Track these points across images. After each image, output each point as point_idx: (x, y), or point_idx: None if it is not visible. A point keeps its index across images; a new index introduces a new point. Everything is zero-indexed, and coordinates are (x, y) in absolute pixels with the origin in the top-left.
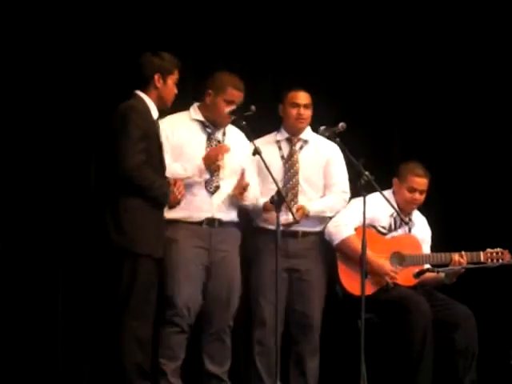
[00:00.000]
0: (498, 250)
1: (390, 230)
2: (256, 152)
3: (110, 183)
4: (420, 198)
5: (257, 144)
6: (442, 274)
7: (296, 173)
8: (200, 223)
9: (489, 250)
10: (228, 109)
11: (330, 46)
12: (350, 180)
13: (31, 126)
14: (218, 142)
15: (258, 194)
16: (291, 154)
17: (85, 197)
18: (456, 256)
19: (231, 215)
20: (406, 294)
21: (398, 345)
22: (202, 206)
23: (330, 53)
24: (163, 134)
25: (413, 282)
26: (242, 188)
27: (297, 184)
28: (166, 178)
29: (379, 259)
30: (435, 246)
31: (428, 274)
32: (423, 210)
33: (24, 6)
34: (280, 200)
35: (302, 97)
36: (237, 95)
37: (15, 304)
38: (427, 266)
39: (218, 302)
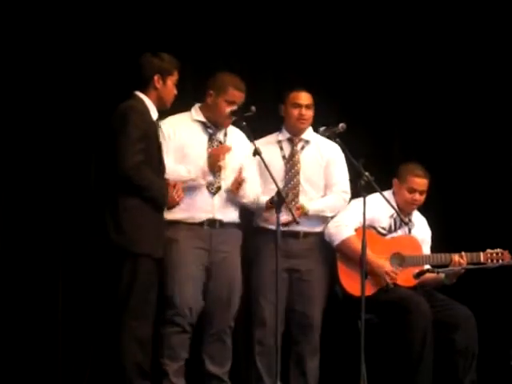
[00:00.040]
0: (498, 250)
1: (389, 231)
2: (256, 152)
3: (110, 183)
4: (420, 198)
5: (258, 144)
6: (442, 275)
7: (297, 173)
8: (201, 224)
9: (489, 250)
10: (229, 109)
11: (331, 46)
12: (350, 180)
13: (31, 126)
14: (220, 142)
15: (259, 193)
16: (292, 154)
17: (85, 197)
18: (456, 257)
19: (232, 216)
20: (406, 295)
21: (398, 345)
22: (203, 206)
23: (331, 53)
24: (165, 134)
25: (413, 282)
26: (237, 183)
27: (298, 184)
28: (165, 178)
29: (379, 260)
30: (435, 247)
31: (428, 275)
32: (423, 210)
33: (24, 7)
34: (280, 200)
35: (304, 97)
36: (238, 95)
37: (15, 304)
38: (427, 266)
39: (219, 302)
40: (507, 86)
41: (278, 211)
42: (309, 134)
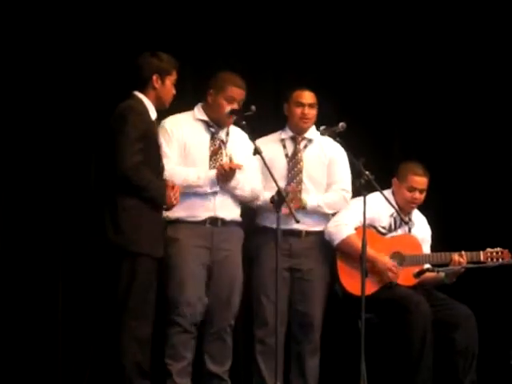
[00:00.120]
0: (498, 249)
1: (389, 230)
2: (256, 152)
3: (109, 183)
4: (420, 197)
5: (261, 142)
6: (442, 274)
7: (300, 171)
8: (203, 222)
9: (489, 249)
10: (229, 107)
11: (331, 45)
12: (351, 180)
13: (31, 126)
14: (222, 141)
15: (261, 189)
16: (295, 152)
17: (84, 196)
18: (456, 256)
19: (234, 214)
20: (406, 294)
21: (398, 345)
22: (204, 204)
23: (331, 52)
24: (168, 133)
25: (413, 281)
26: (222, 168)
27: (300, 182)
28: (164, 179)
29: (381, 256)
30: (435, 246)
31: (428, 274)
32: (423, 209)
33: (24, 7)
34: (280, 200)
35: (307, 96)
36: (237, 93)
37: (15, 304)
38: (427, 265)
39: (219, 301)
40: (507, 85)
41: (278, 211)
42: (312, 132)
